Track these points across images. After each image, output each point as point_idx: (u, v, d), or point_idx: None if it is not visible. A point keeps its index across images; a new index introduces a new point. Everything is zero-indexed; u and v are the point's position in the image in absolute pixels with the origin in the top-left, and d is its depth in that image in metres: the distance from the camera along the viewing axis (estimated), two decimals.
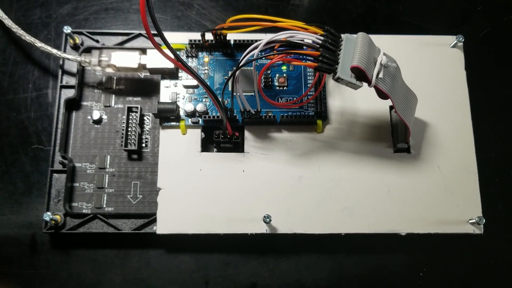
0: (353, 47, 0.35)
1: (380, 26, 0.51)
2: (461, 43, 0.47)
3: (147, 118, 0.46)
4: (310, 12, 0.52)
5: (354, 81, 0.35)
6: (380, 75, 0.35)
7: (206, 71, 0.45)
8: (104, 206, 0.43)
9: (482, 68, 0.50)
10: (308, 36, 0.35)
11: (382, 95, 0.37)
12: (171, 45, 0.34)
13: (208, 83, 0.44)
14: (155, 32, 0.33)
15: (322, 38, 0.35)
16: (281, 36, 0.35)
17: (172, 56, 0.34)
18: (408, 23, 0.52)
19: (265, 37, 0.36)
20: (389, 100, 0.39)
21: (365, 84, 0.36)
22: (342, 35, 0.36)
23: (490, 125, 0.48)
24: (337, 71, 0.35)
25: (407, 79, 0.40)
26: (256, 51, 0.36)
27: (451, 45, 0.47)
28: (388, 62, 0.36)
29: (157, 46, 0.34)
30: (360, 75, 0.35)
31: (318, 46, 0.35)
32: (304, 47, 0.36)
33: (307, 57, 0.36)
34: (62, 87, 0.46)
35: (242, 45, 0.45)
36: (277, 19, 0.36)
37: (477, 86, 0.47)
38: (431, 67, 0.46)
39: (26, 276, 0.43)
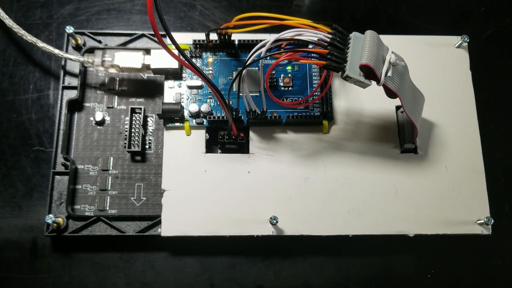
0: (361, 45, 0.35)
1: (383, 27, 0.51)
2: (466, 43, 0.47)
3: (151, 120, 0.45)
4: (313, 12, 0.52)
5: (362, 80, 0.35)
6: (389, 74, 0.35)
7: (210, 72, 0.44)
8: (107, 208, 0.43)
9: (486, 68, 0.50)
10: (316, 34, 0.35)
11: (390, 94, 0.37)
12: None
13: None
14: (162, 33, 0.33)
15: (330, 36, 0.35)
16: (289, 34, 0.35)
17: (180, 56, 0.34)
18: (411, 23, 0.51)
19: (271, 37, 0.36)
20: (395, 100, 0.38)
21: (371, 84, 0.36)
22: (350, 34, 0.36)
23: (495, 126, 0.48)
24: (345, 69, 0.35)
25: (412, 79, 0.40)
26: (263, 49, 0.35)
27: (455, 45, 0.47)
28: (397, 60, 0.36)
29: (165, 46, 0.33)
30: (369, 73, 0.35)
31: (326, 44, 0.35)
32: (312, 45, 0.36)
33: (315, 56, 0.36)
34: (64, 88, 0.45)
35: (247, 46, 0.44)
36: (284, 17, 0.36)
37: (482, 87, 0.47)
38: (436, 68, 0.46)
39: (27, 280, 0.42)
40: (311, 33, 0.35)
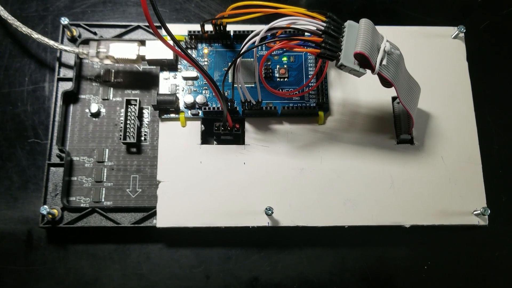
0: (356, 33, 0.35)
1: (380, 18, 0.51)
2: (463, 34, 0.46)
3: (146, 111, 0.45)
4: (309, 4, 0.52)
5: (357, 68, 0.35)
6: (384, 62, 0.35)
7: (205, 63, 0.44)
8: (103, 200, 0.43)
9: (483, 59, 0.49)
10: (311, 22, 0.35)
11: (385, 83, 0.37)
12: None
13: None
14: (157, 24, 0.33)
15: (324, 24, 0.35)
16: (283, 22, 0.35)
17: (175, 46, 0.34)
18: (408, 15, 0.51)
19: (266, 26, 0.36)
20: (391, 90, 0.38)
21: (367, 74, 0.36)
22: (345, 22, 0.36)
23: (492, 117, 0.48)
24: (340, 58, 0.35)
25: (409, 70, 0.40)
26: (257, 38, 0.35)
27: (452, 36, 0.47)
28: (392, 49, 0.35)
29: (160, 36, 0.33)
30: (364, 61, 0.35)
31: (321, 32, 0.35)
32: (306, 33, 0.35)
33: (309, 44, 0.35)
34: (60, 79, 0.45)
35: (242, 36, 0.44)
36: (279, 6, 0.36)
37: (479, 78, 0.47)
38: (433, 58, 0.46)
39: (22, 272, 0.42)
40: (306, 21, 0.35)
